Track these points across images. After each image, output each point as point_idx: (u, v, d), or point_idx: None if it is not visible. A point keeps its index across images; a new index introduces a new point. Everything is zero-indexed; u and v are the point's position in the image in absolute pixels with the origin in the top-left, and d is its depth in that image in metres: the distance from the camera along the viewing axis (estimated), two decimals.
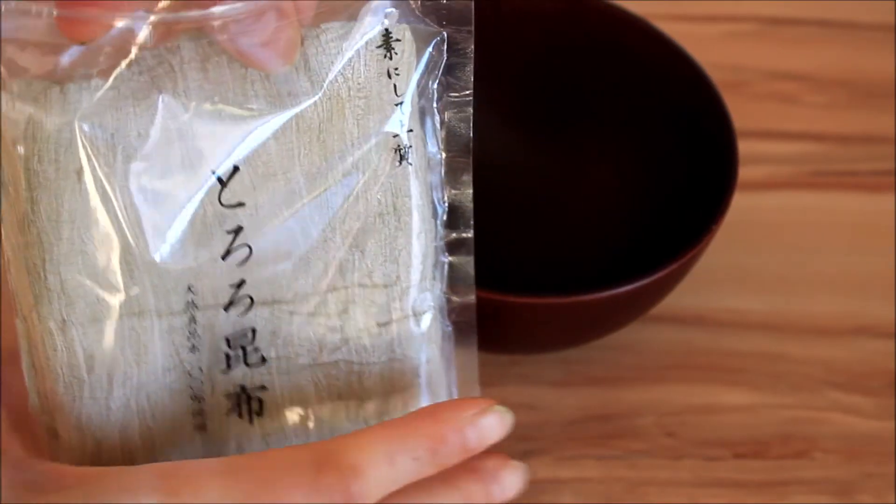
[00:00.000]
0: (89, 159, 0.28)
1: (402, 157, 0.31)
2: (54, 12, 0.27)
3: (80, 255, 0.29)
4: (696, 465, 0.46)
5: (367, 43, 0.30)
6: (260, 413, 0.33)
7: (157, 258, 0.30)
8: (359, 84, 0.30)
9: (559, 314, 0.42)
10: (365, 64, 0.30)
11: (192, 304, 0.31)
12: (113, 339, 0.30)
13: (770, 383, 0.49)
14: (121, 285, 0.30)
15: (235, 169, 0.30)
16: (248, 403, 0.33)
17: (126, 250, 0.29)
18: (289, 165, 0.30)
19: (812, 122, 0.61)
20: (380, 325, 0.33)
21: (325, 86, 0.30)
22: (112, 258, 0.29)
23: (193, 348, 0.32)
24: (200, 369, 0.32)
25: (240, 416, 0.33)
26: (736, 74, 0.63)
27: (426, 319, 0.34)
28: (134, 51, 0.28)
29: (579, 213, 0.52)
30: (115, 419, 0.31)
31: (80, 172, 0.28)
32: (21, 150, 0.28)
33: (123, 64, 0.28)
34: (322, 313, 0.32)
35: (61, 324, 0.30)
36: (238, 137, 0.29)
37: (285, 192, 0.30)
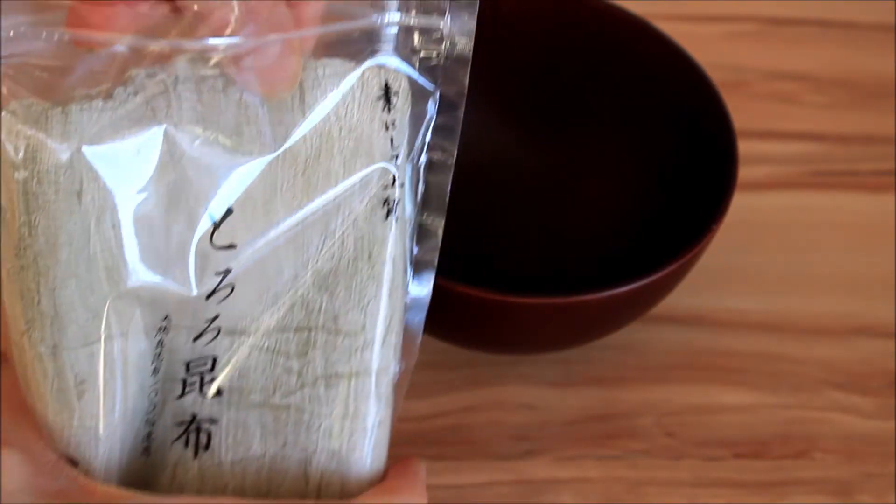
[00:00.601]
0: (89, 182, 0.28)
1: (389, 211, 0.31)
2: (65, 36, 0.27)
3: (73, 279, 0.28)
4: (696, 465, 0.46)
5: (363, 86, 0.30)
6: (207, 447, 0.32)
7: (144, 286, 0.29)
8: (350, 125, 0.30)
9: (559, 314, 0.41)
10: (359, 106, 0.30)
11: (163, 329, 0.31)
12: (103, 363, 0.30)
13: (770, 383, 0.49)
14: (111, 309, 0.29)
15: (229, 211, 0.30)
16: (197, 435, 0.32)
17: (117, 274, 0.29)
18: (270, 196, 0.30)
19: (812, 122, 0.61)
20: (338, 375, 0.32)
21: (317, 121, 0.30)
22: (103, 282, 0.29)
23: (155, 371, 0.31)
24: (156, 392, 0.32)
25: (186, 445, 0.32)
26: (736, 74, 0.63)
27: (384, 379, 0.33)
28: (130, 71, 0.28)
29: (579, 213, 0.52)
30: (103, 449, 0.31)
31: (80, 194, 0.28)
32: (20, 172, 0.27)
33: (120, 84, 0.28)
34: (282, 352, 0.32)
35: (52, 348, 0.29)
36: (232, 177, 0.29)
37: (263, 223, 0.30)
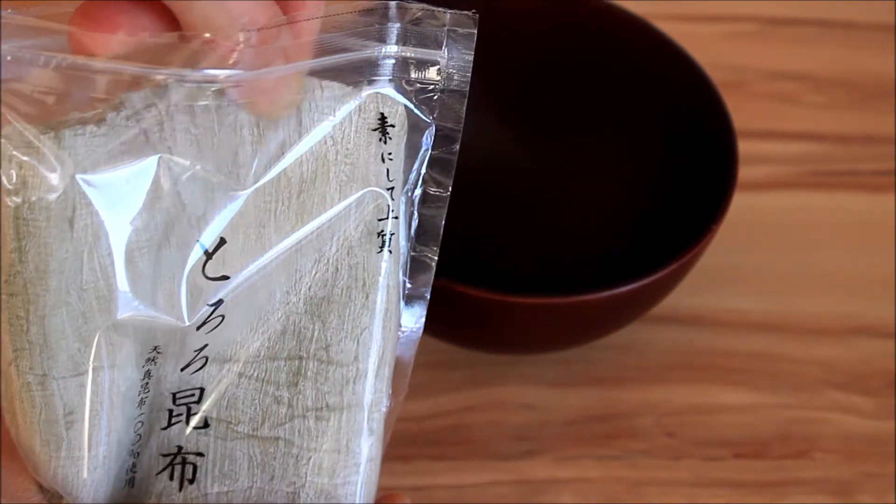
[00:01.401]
0: (81, 208, 0.27)
1: (383, 243, 0.31)
2: (65, 62, 0.26)
3: (64, 307, 0.28)
4: (696, 465, 0.46)
5: (361, 112, 0.30)
6: (192, 481, 0.32)
7: (136, 317, 0.29)
8: (347, 150, 0.30)
9: (559, 314, 0.41)
10: (356, 132, 0.30)
11: (151, 361, 0.30)
12: (91, 394, 0.29)
13: (770, 383, 0.49)
14: (102, 339, 0.29)
15: (222, 241, 0.29)
16: (182, 467, 0.31)
17: (109, 304, 0.28)
18: (264, 220, 0.30)
19: (812, 122, 0.61)
20: (330, 408, 0.31)
21: (312, 143, 0.29)
22: (95, 311, 0.28)
23: (142, 402, 0.31)
24: (141, 423, 0.31)
25: (171, 478, 0.32)
26: (736, 74, 0.63)
27: (376, 415, 0.32)
28: (121, 95, 0.28)
29: (579, 213, 0.52)
30: (90, 482, 0.30)
31: (72, 221, 0.27)
32: (12, 198, 0.27)
33: (111, 108, 0.28)
34: (272, 381, 0.31)
35: (41, 377, 0.28)
36: (226, 204, 0.29)
37: (256, 250, 0.30)
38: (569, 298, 0.40)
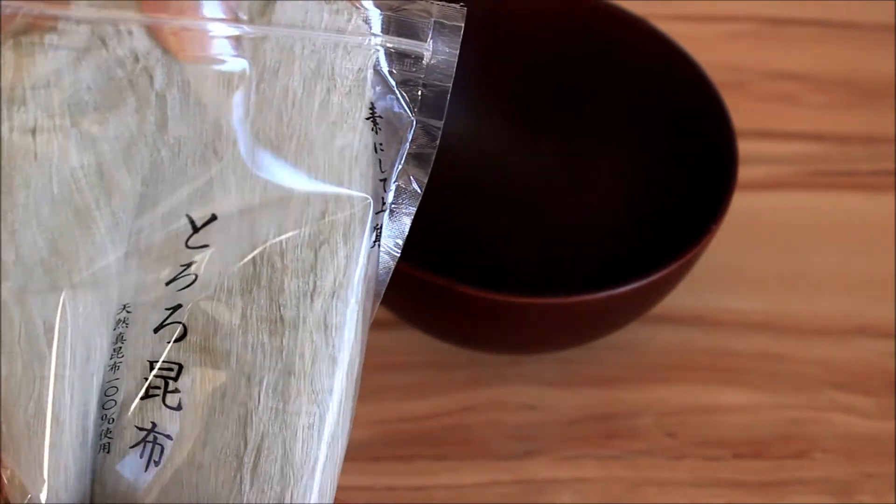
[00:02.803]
0: (44, 120, 0.27)
1: (375, 238, 0.30)
2: (33, 11, 0.26)
3: (35, 219, 0.27)
4: (696, 465, 0.46)
5: (356, 89, 0.29)
6: (158, 463, 0.30)
7: (112, 247, 0.28)
8: (347, 134, 0.29)
9: (559, 314, 0.41)
10: (352, 126, 0.29)
11: (122, 322, 0.29)
12: (74, 309, 0.28)
13: (770, 383, 0.49)
14: (79, 253, 0.28)
15: (213, 217, 0.28)
16: (153, 447, 0.30)
17: (86, 214, 0.27)
18: (250, 214, 0.29)
19: (812, 122, 0.61)
20: (283, 322, 0.29)
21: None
22: (73, 225, 0.27)
23: (115, 367, 0.29)
24: (116, 388, 0.30)
25: (141, 456, 0.30)
26: (736, 74, 0.63)
27: (335, 338, 0.29)
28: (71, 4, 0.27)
29: (579, 213, 0.52)
30: (77, 399, 0.28)
31: (34, 132, 0.27)
32: None
33: (62, 18, 0.27)
34: (224, 288, 0.29)
35: (18, 294, 0.27)
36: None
37: (247, 235, 0.29)
38: (569, 298, 0.40)
